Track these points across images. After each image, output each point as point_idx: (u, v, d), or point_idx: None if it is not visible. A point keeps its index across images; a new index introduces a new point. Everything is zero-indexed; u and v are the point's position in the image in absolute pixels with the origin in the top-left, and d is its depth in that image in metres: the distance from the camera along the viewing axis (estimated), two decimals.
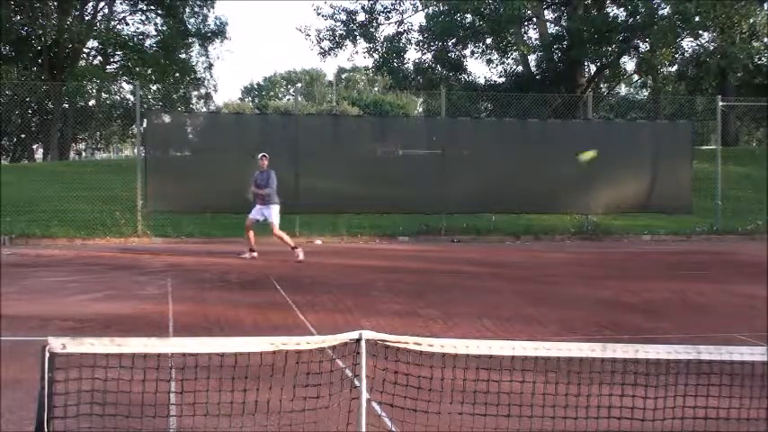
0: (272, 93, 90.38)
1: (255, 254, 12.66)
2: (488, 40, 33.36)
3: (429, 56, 34.63)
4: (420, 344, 3.63)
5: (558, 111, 24.29)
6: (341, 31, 34.33)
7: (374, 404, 4.52)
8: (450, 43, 33.57)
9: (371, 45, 34.26)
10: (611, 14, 32.15)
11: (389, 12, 34.48)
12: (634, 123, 21.56)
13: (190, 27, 36.88)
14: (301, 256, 12.39)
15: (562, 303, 8.99)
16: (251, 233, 12.74)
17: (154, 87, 35.10)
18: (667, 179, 17.58)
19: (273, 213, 12.69)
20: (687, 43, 32.84)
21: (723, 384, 4.05)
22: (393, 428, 4.40)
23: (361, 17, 34.32)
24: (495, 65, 35.58)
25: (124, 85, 36.45)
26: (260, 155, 12.92)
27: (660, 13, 29.91)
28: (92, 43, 36.12)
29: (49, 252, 13.57)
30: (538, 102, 24.18)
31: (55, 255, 13.22)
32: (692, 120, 22.11)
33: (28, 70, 34.20)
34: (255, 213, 12.74)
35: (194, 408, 3.93)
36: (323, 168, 16.45)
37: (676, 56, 32.87)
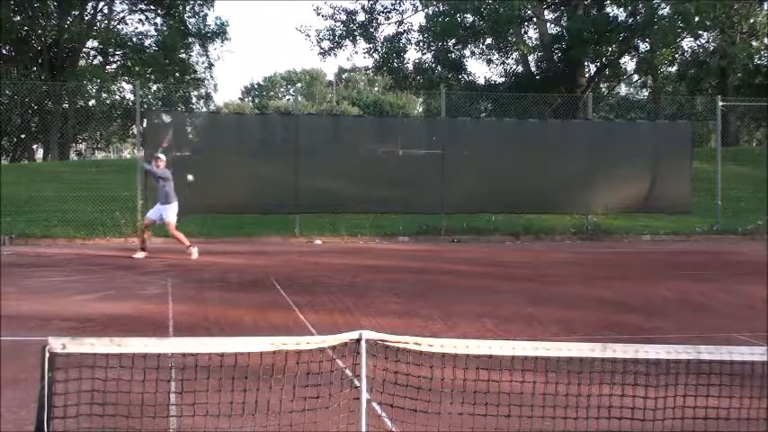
0: (272, 93, 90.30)
1: (146, 253, 12.81)
2: (488, 40, 33.37)
3: (429, 56, 34.67)
4: (420, 344, 3.63)
5: (558, 111, 24.29)
6: (341, 31, 34.34)
7: (374, 404, 4.52)
8: (450, 43, 33.57)
9: (371, 45, 34.29)
10: (611, 14, 32.17)
11: (389, 12, 34.54)
12: (634, 123, 21.54)
13: (190, 27, 36.87)
14: (195, 255, 12.59)
15: (562, 303, 8.99)
16: (148, 233, 13.15)
17: (154, 87, 35.11)
18: (667, 179, 17.58)
19: (171, 212, 12.90)
20: (687, 43, 32.92)
21: (723, 384, 4.05)
22: (393, 428, 4.40)
23: (361, 17, 34.38)
24: (495, 65, 35.65)
25: (124, 85, 36.50)
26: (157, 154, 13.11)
27: (660, 13, 29.92)
28: (92, 43, 36.17)
29: (49, 252, 13.57)
30: (538, 102, 24.17)
31: (55, 255, 13.22)
32: (691, 120, 22.07)
33: (28, 70, 34.18)
34: (154, 213, 13.00)
35: (194, 408, 3.93)
36: (323, 168, 16.45)
37: (676, 56, 32.90)
